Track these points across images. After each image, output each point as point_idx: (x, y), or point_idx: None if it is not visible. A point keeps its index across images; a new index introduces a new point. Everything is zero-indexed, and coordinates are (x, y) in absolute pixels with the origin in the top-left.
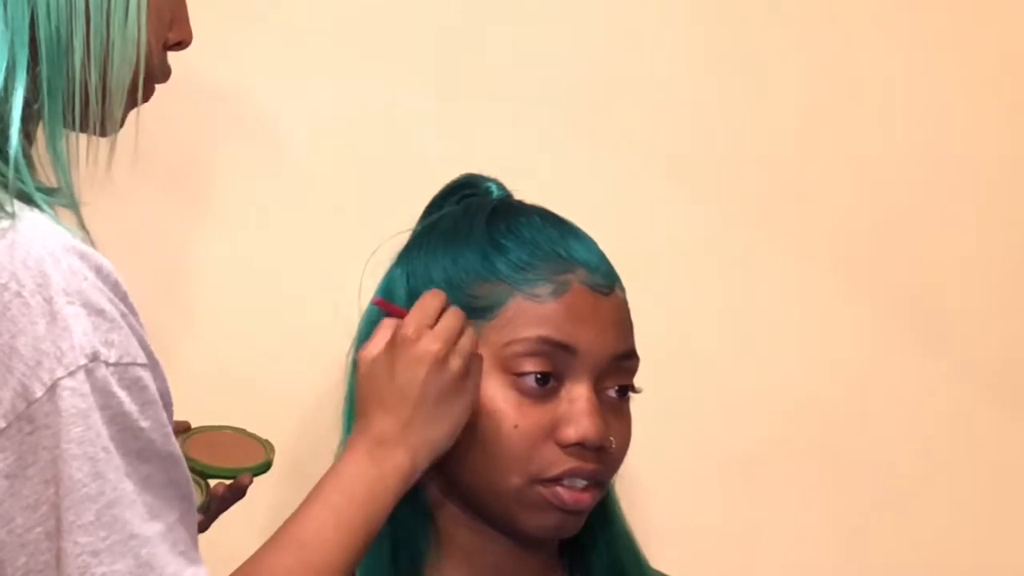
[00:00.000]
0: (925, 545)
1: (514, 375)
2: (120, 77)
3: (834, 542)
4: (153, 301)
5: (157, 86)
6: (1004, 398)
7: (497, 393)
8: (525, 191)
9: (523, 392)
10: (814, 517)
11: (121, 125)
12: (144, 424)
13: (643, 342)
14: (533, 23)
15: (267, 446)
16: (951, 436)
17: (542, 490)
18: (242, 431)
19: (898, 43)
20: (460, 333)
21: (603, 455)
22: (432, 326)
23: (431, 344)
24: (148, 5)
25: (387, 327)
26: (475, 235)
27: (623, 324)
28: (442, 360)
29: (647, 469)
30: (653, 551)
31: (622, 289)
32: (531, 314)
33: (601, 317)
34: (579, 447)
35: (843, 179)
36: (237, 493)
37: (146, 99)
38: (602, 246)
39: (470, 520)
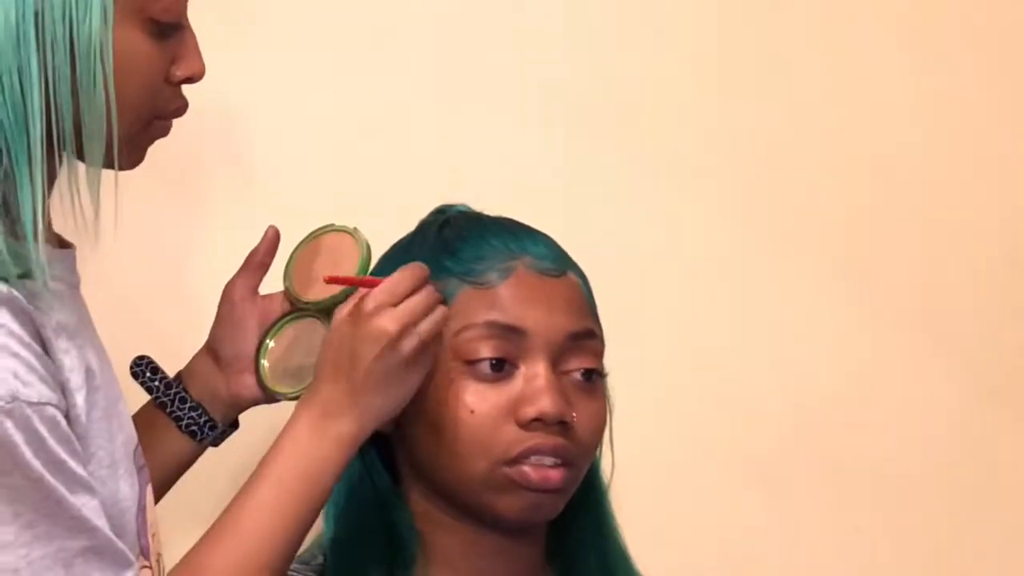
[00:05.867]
0: (926, 546)
1: (467, 362)
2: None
3: (835, 543)
4: (155, 301)
5: None
6: (1004, 398)
7: (452, 382)
8: (525, 191)
9: (477, 378)
10: (815, 519)
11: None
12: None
13: (645, 344)
14: (533, 23)
15: (355, 235)
16: (952, 437)
17: (508, 471)
18: (318, 234)
19: (900, 43)
20: (422, 315)
21: (568, 431)
22: (396, 304)
23: (388, 323)
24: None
25: (360, 294)
26: (428, 242)
27: (575, 304)
28: (395, 340)
29: (648, 471)
30: (654, 553)
31: (580, 277)
32: (479, 301)
33: (549, 297)
34: (539, 423)
35: (844, 180)
36: None
37: (150, 137)
38: (604, 247)
39: (452, 523)
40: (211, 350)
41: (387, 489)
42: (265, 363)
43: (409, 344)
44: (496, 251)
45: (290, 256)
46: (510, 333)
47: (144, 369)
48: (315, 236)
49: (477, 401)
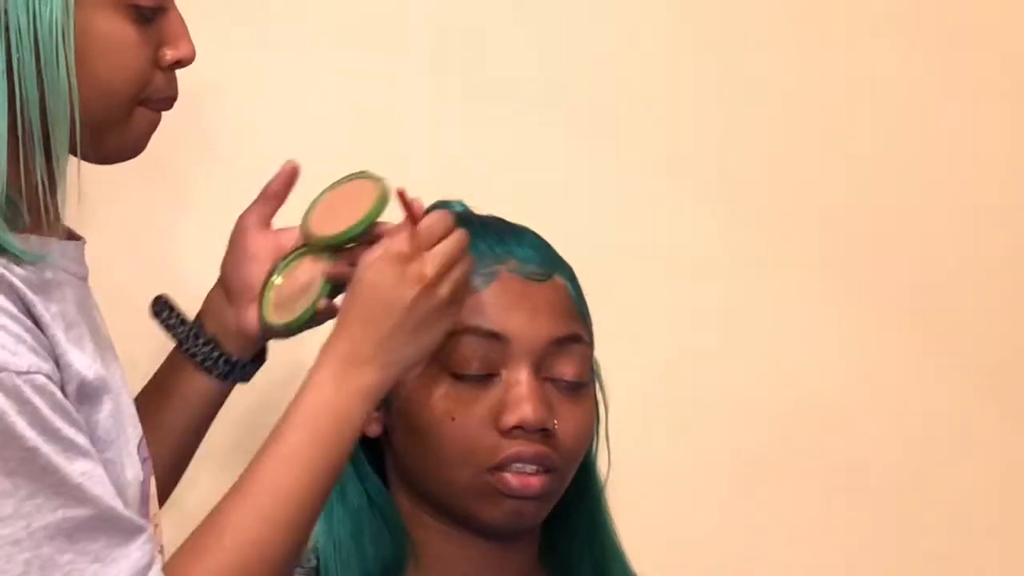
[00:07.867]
0: (925, 546)
1: (448, 369)
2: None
3: (834, 543)
4: (144, 296)
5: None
6: (1004, 398)
7: (434, 389)
8: (524, 191)
9: (459, 384)
10: (814, 519)
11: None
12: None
13: (643, 343)
14: (533, 23)
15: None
16: (951, 436)
17: (489, 478)
18: (350, 178)
19: (897, 43)
20: (456, 260)
21: (550, 439)
22: (431, 247)
23: (425, 267)
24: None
25: (391, 235)
26: None
27: (560, 308)
28: (432, 285)
29: (645, 471)
30: (652, 554)
31: (568, 279)
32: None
33: (532, 302)
34: (520, 431)
35: (843, 179)
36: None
37: (142, 128)
38: (603, 246)
39: (441, 527)
40: (222, 282)
41: (378, 493)
42: (271, 295)
43: (445, 289)
44: (481, 255)
45: (316, 197)
46: (492, 339)
47: (162, 308)
48: (347, 180)
49: (458, 408)
